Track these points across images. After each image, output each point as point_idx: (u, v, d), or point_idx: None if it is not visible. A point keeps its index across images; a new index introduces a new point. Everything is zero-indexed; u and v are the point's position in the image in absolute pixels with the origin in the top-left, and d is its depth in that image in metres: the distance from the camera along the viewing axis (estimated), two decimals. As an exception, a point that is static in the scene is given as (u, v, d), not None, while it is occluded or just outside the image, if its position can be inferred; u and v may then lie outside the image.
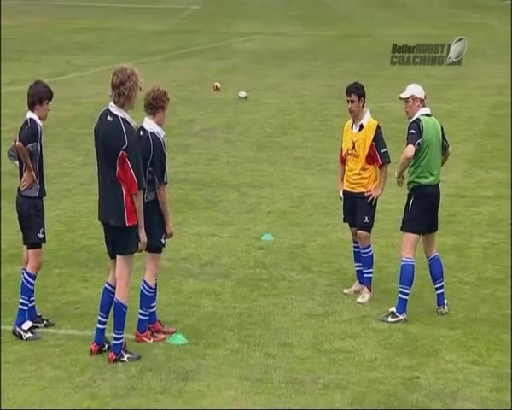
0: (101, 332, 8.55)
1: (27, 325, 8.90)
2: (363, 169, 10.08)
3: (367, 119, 10.11)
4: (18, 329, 8.89)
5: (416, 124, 9.54)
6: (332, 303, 10.06)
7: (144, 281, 9.00)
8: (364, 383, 8.09)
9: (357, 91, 10.04)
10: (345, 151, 10.26)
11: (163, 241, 8.92)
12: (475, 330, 9.33)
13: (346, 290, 10.33)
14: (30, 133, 8.86)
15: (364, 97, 10.09)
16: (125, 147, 8.19)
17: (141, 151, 8.53)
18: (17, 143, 8.92)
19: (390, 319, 9.49)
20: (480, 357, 8.69)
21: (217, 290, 10.44)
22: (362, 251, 10.27)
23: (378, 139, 10.06)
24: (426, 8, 62.56)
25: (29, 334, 8.89)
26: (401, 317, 9.52)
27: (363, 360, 8.59)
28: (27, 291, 8.98)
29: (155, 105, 8.80)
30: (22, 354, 8.55)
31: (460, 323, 9.54)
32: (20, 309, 8.96)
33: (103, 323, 8.53)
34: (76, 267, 11.14)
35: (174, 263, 11.38)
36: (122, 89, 8.23)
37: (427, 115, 9.66)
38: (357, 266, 10.41)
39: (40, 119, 9.01)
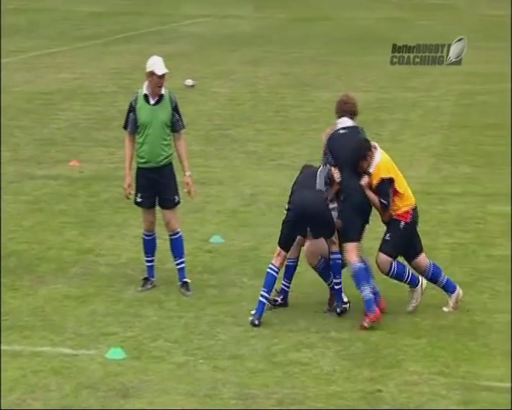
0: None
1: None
2: None
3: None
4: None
5: None
6: (286, 311, 10.09)
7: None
8: (322, 398, 8.14)
9: None
10: None
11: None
12: (442, 339, 9.43)
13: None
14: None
15: None
16: None
17: None
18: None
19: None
20: (447, 368, 8.79)
21: (160, 298, 10.42)
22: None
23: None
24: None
25: None
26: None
27: (321, 373, 8.64)
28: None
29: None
30: None
31: (425, 331, 9.63)
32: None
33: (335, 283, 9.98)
34: (4, 275, 11.03)
35: (114, 269, 11.34)
36: None
37: None
38: None
39: None
